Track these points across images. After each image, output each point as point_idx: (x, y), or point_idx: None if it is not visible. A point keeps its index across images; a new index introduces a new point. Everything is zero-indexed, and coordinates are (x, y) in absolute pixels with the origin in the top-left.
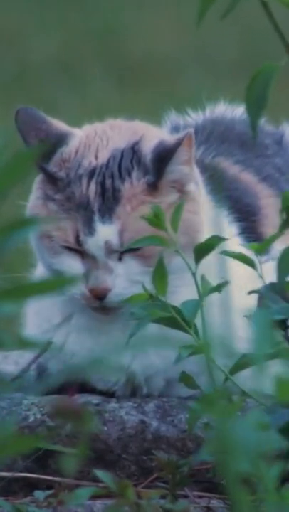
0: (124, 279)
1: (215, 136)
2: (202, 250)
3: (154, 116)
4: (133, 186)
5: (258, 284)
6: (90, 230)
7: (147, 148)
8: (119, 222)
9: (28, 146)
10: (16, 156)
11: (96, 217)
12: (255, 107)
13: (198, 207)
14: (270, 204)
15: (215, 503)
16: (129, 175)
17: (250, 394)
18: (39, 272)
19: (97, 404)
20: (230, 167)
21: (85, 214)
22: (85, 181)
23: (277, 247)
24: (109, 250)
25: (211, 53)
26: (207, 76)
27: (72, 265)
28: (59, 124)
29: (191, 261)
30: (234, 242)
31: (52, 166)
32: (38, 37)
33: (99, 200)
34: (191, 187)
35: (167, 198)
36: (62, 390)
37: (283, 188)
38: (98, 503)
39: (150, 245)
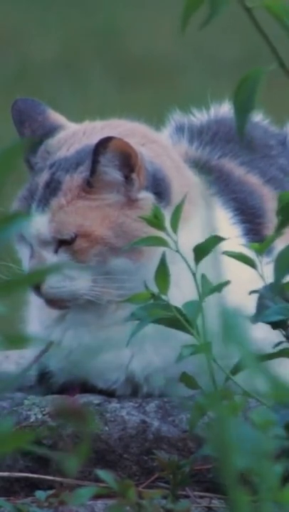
0: (57, 273)
1: (220, 137)
2: (202, 250)
3: (155, 116)
4: (72, 180)
5: (258, 284)
6: (28, 218)
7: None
8: (50, 213)
9: (21, 137)
10: (4, 150)
11: (34, 206)
12: (242, 111)
13: (144, 215)
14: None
15: (216, 503)
16: (76, 169)
17: (252, 394)
18: None
19: (98, 405)
20: (236, 168)
21: (28, 203)
22: (44, 172)
23: (280, 248)
24: (40, 240)
25: (211, 52)
26: (207, 75)
27: (25, 254)
28: (57, 118)
29: (131, 263)
30: (236, 243)
31: (36, 158)
32: (38, 37)
33: (43, 190)
34: (141, 195)
35: (104, 197)
36: (63, 389)
37: (288, 190)
38: (99, 503)
39: (148, 245)
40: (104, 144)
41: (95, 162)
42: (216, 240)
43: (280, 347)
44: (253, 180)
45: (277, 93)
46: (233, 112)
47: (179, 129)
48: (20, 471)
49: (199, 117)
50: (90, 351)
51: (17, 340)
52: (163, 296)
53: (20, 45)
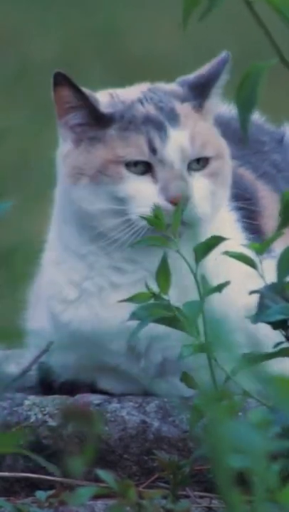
0: (198, 191)
1: None
2: (203, 249)
3: None
4: (183, 107)
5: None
6: (165, 136)
7: (174, 84)
8: (188, 130)
9: (76, 92)
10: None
11: (167, 125)
12: (245, 106)
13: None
14: (268, 196)
15: (216, 503)
16: (173, 100)
17: (252, 394)
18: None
19: (98, 405)
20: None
21: (156, 125)
22: (139, 105)
23: (275, 245)
24: (184, 156)
25: (211, 51)
26: None
27: (142, 188)
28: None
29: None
30: (237, 242)
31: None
32: (38, 37)
33: (162, 115)
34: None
35: (210, 124)
36: (64, 389)
37: (280, 185)
38: (99, 503)
39: (148, 245)
40: (223, 62)
41: (210, 85)
42: (216, 239)
43: (280, 347)
44: (245, 172)
45: (275, 92)
46: (236, 107)
47: None
48: (21, 471)
49: None
50: (99, 322)
51: (17, 335)
52: (164, 296)
53: (20, 45)
